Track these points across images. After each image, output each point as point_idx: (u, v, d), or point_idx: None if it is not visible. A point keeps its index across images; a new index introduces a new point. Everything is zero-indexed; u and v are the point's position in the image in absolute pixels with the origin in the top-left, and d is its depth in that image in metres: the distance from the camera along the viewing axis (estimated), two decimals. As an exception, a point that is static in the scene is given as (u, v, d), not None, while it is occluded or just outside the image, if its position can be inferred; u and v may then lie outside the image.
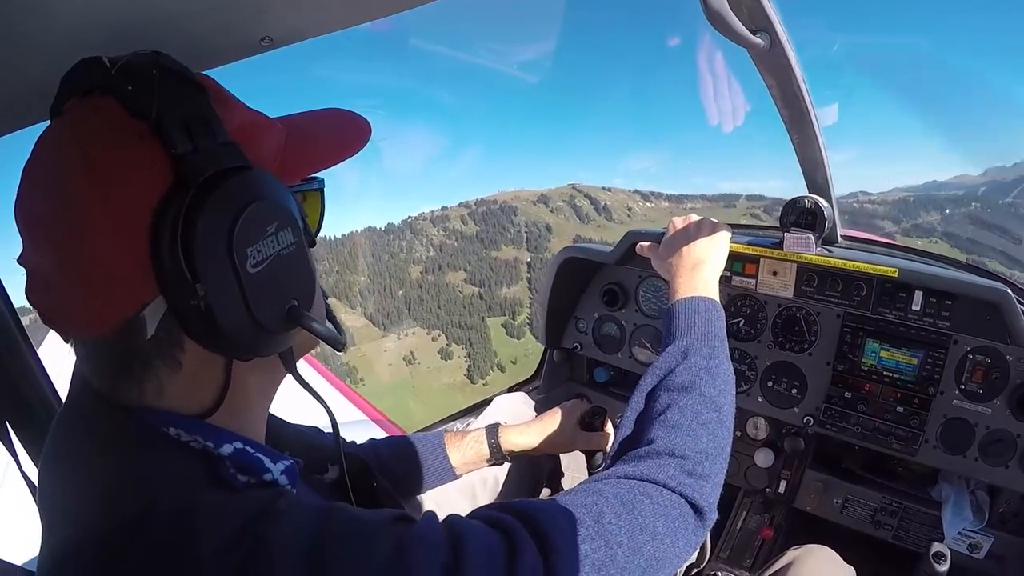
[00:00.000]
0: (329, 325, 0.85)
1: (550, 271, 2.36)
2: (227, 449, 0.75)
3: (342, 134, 0.94)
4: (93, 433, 0.74)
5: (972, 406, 1.67)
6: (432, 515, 0.81)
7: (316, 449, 1.07)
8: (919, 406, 1.73)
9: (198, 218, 0.66)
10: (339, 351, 0.89)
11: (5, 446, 1.35)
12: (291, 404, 1.12)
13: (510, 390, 2.47)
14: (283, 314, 0.76)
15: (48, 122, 0.74)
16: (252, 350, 0.76)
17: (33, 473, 0.92)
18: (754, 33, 1.31)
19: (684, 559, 1.00)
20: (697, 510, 1.00)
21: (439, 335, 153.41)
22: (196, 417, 0.75)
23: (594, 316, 2.39)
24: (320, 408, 0.94)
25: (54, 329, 0.73)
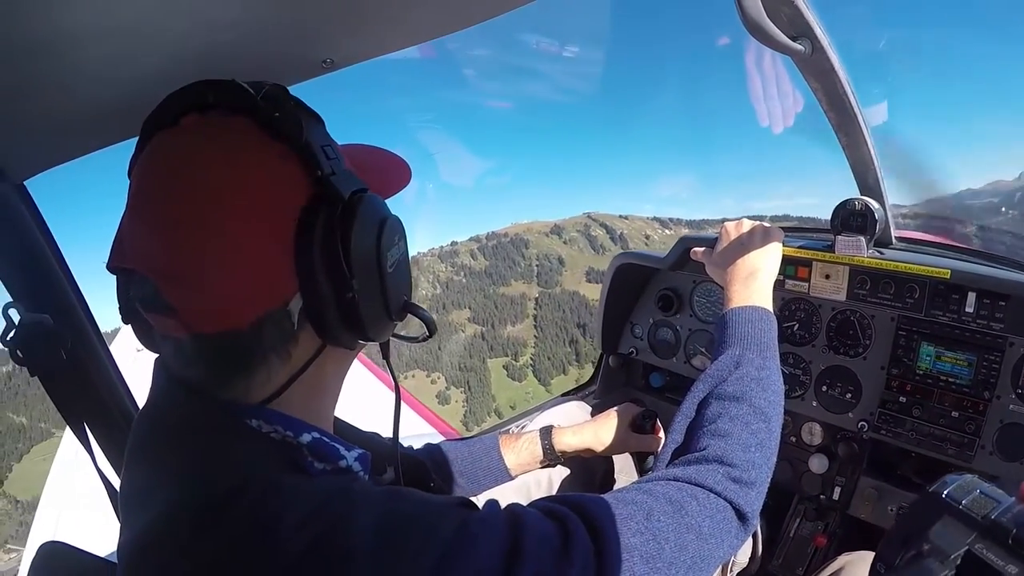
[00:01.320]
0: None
1: (606, 277, 2.44)
2: (305, 438, 0.85)
3: (396, 170, 1.07)
4: (180, 426, 0.82)
5: None
6: (494, 502, 0.89)
7: (375, 450, 1.12)
8: (975, 411, 1.72)
9: (352, 227, 0.81)
10: (432, 334, 1.03)
11: (84, 446, 1.43)
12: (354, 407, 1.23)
13: (565, 395, 2.53)
14: (401, 305, 0.93)
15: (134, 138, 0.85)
16: (380, 335, 0.93)
17: (108, 471, 1.05)
18: (794, 39, 1.35)
19: (726, 559, 1.05)
20: (741, 515, 1.05)
21: (439, 377, 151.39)
22: (285, 412, 0.85)
23: (649, 321, 2.45)
24: (376, 413, 1.07)
25: (172, 328, 0.79)
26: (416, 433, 2.79)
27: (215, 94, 0.81)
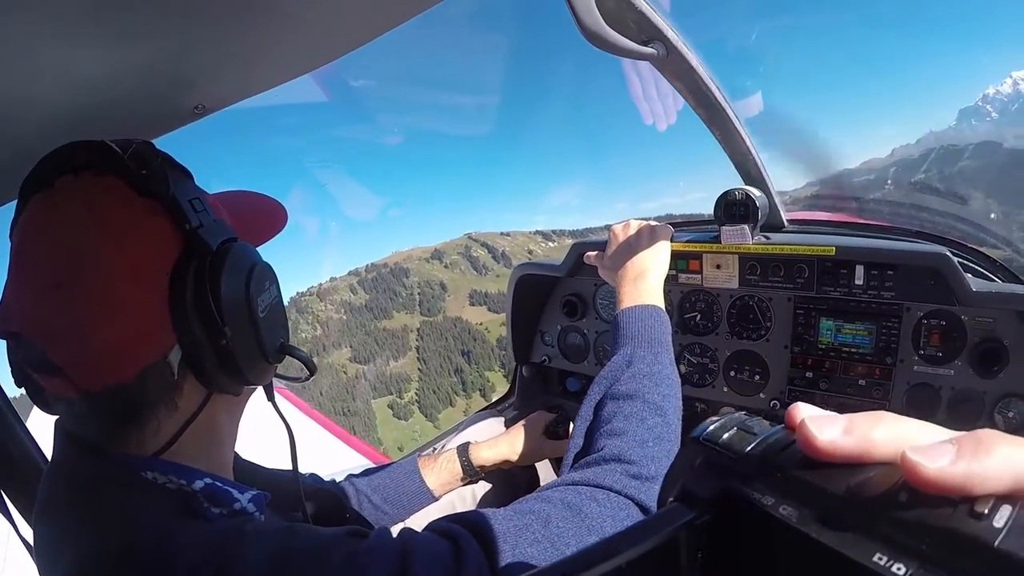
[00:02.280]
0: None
1: (509, 290, 2.44)
2: (198, 484, 0.87)
3: (272, 214, 1.11)
4: (78, 483, 0.84)
5: (934, 370, 1.70)
6: (384, 529, 0.92)
7: (285, 488, 1.16)
8: (881, 376, 1.77)
9: (221, 276, 0.85)
10: (312, 374, 1.08)
11: (3, 513, 1.39)
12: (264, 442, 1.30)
13: (482, 411, 2.54)
14: (277, 347, 0.97)
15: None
16: (260, 379, 0.96)
17: (28, 533, 1.02)
18: (646, 44, 1.36)
19: None
20: (644, 510, 1.07)
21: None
22: (176, 461, 0.87)
23: (557, 328, 2.46)
24: (306, 449, 1.08)
25: (61, 387, 0.80)
26: (350, 465, 2.76)
27: (86, 155, 0.83)
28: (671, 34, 1.37)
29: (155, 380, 0.84)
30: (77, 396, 0.81)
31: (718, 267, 1.97)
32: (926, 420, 0.35)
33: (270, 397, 1.06)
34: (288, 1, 0.91)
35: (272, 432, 1.10)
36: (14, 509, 1.44)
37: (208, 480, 0.89)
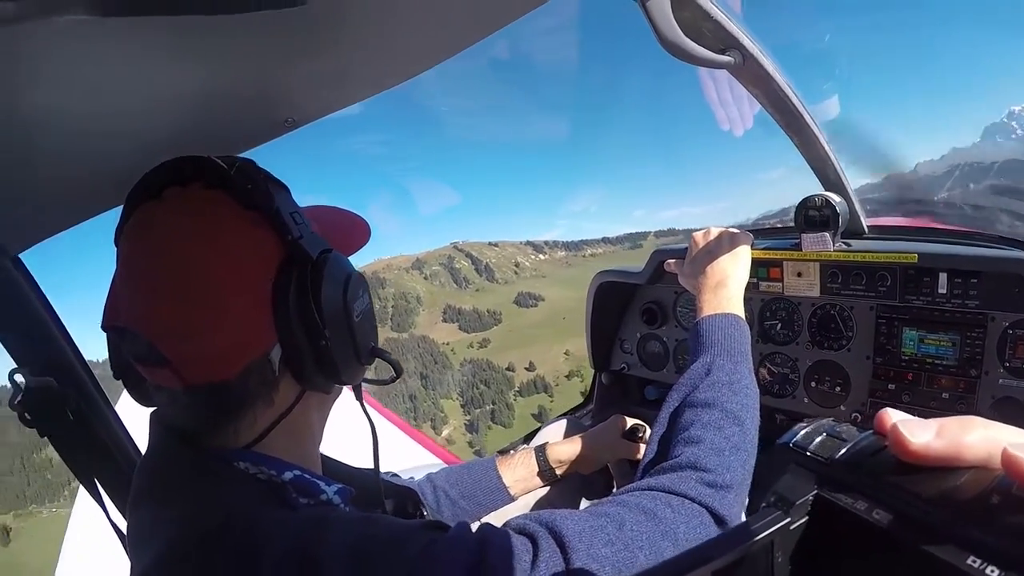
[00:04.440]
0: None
1: (588, 297, 2.51)
2: (288, 476, 0.97)
3: (357, 229, 1.20)
4: (173, 471, 0.94)
5: (1020, 383, 1.65)
6: (464, 523, 0.96)
7: (367, 485, 1.24)
8: (965, 389, 1.73)
9: (322, 283, 0.94)
10: (399, 375, 1.15)
11: (97, 501, 1.53)
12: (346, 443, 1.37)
13: (560, 417, 2.59)
14: (368, 351, 1.06)
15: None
16: (352, 378, 1.06)
17: (120, 521, 1.16)
18: (723, 52, 1.39)
19: None
20: (718, 519, 1.08)
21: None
22: (269, 454, 0.97)
23: (637, 336, 2.51)
24: (384, 448, 1.19)
25: (166, 379, 0.89)
26: (422, 464, 2.89)
27: (193, 169, 0.93)
28: (747, 41, 1.40)
29: (256, 377, 0.93)
30: (181, 389, 0.89)
31: (799, 275, 1.98)
32: None
33: (359, 397, 1.15)
34: (374, 19, 0.98)
35: (350, 431, 1.21)
36: (108, 500, 1.58)
37: (297, 472, 0.98)
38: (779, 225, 2.23)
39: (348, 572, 0.80)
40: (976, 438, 0.37)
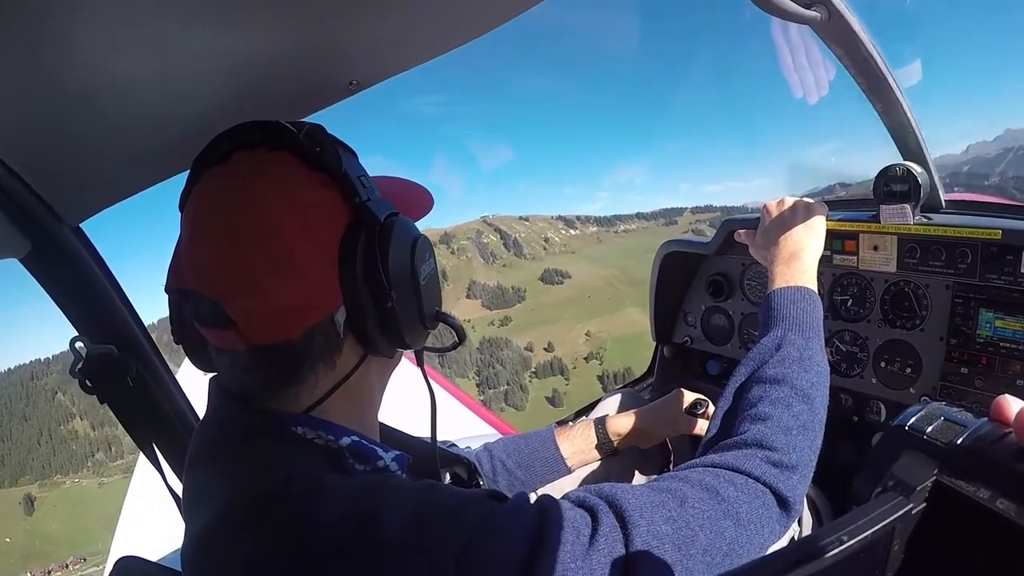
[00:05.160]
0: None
1: (654, 267, 2.49)
2: (345, 441, 0.97)
3: (421, 197, 1.21)
4: (231, 435, 0.95)
5: None
6: (523, 494, 0.96)
7: (423, 453, 1.26)
8: (1042, 378, 1.68)
9: (389, 245, 0.95)
10: (462, 342, 1.15)
11: (152, 463, 1.59)
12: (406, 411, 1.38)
13: (623, 388, 2.59)
14: (433, 314, 1.07)
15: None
16: (416, 342, 1.06)
17: (177, 486, 1.18)
18: (809, 7, 1.34)
19: (767, 546, 1.05)
20: (781, 500, 1.07)
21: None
22: (327, 419, 0.98)
23: (701, 308, 2.49)
24: (444, 418, 1.20)
25: (230, 341, 0.90)
26: (478, 434, 2.91)
27: (262, 133, 0.95)
28: None
29: (320, 339, 0.94)
30: (245, 350, 0.91)
31: (875, 248, 1.94)
32: None
33: (420, 363, 1.17)
34: None
35: (409, 399, 1.22)
36: (166, 465, 1.64)
37: (355, 438, 0.98)
38: (851, 197, 2.19)
39: (407, 537, 0.81)
40: None
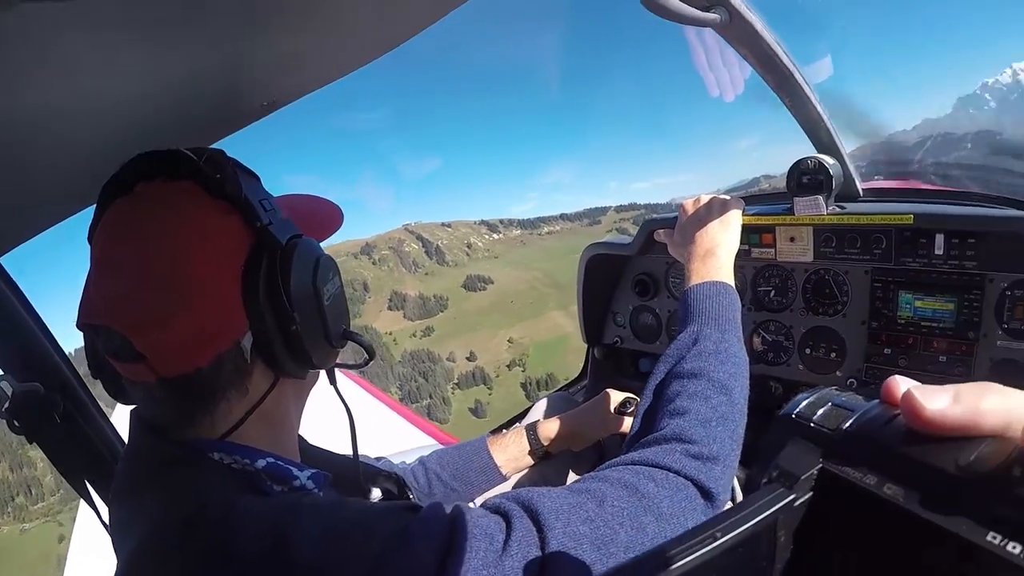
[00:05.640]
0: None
1: (579, 271, 2.50)
2: (261, 464, 0.98)
3: (329, 215, 1.22)
4: (151, 464, 0.95)
5: (1019, 344, 1.66)
6: (438, 504, 0.96)
7: (349, 472, 1.26)
8: (963, 353, 1.75)
9: (291, 268, 0.96)
10: (372, 358, 1.15)
11: (86, 501, 1.58)
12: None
13: (556, 392, 2.60)
14: (340, 333, 1.08)
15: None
16: (324, 362, 1.08)
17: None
18: (707, 10, 1.35)
19: None
20: (705, 492, 1.08)
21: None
22: (242, 444, 0.98)
23: (629, 308, 2.51)
24: (383, 431, 1.22)
25: (142, 374, 0.91)
26: (419, 446, 2.91)
27: (163, 163, 0.96)
28: None
29: (229, 366, 0.95)
30: (156, 382, 0.91)
31: (792, 240, 1.98)
32: None
33: (332, 381, 1.17)
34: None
35: (343, 418, 1.20)
36: (97, 497, 1.62)
37: (270, 459, 0.99)
38: (770, 191, 2.24)
39: (320, 555, 0.81)
40: (994, 404, 0.36)
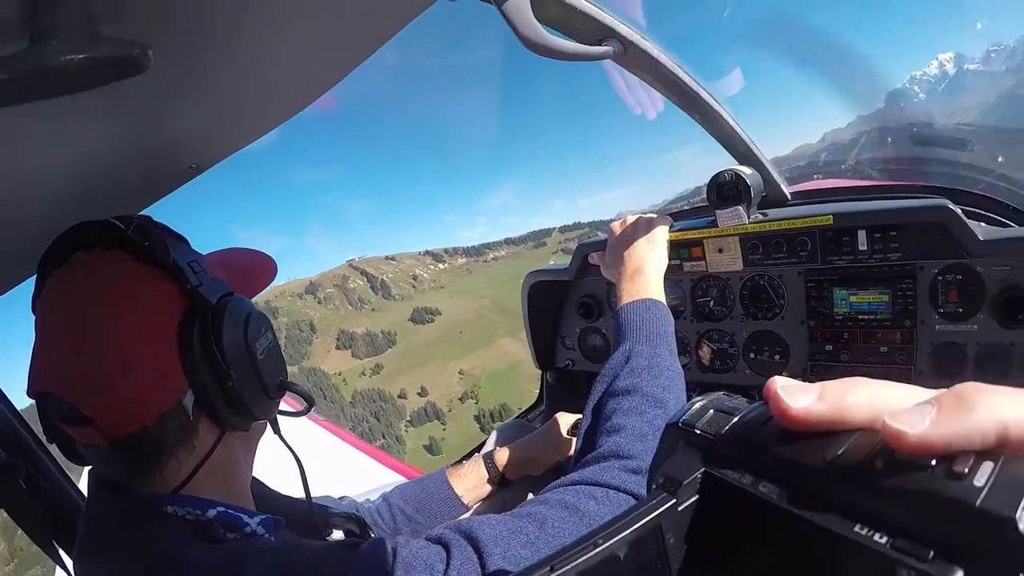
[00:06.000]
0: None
1: (523, 299, 2.52)
2: (212, 513, 1.02)
3: (262, 271, 1.26)
4: (109, 521, 1.00)
5: (956, 327, 1.70)
6: (380, 539, 1.02)
7: (304, 515, 1.28)
8: (903, 340, 1.78)
9: (222, 328, 0.99)
10: (311, 406, 1.24)
11: (56, 562, 1.57)
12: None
13: (513, 419, 2.63)
14: (278, 385, 1.11)
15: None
16: (265, 413, 1.11)
17: None
18: (600, 43, 1.37)
19: None
20: None
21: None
22: (194, 495, 1.02)
23: (577, 331, 2.53)
24: (352, 470, 1.24)
25: (92, 437, 0.95)
26: (386, 483, 2.90)
27: (96, 233, 1.00)
28: (624, 29, 1.38)
29: (172, 424, 0.99)
30: (106, 444, 0.95)
31: (720, 251, 2.02)
32: (955, 380, 0.35)
33: (276, 430, 1.19)
34: (259, 55, 1.00)
35: (308, 460, 1.23)
36: (66, 556, 1.58)
37: (221, 508, 1.03)
38: (698, 203, 2.28)
39: None
40: (859, 398, 0.37)
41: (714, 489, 0.41)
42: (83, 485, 1.73)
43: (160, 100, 1.00)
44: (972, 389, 0.33)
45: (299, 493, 1.35)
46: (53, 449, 1.72)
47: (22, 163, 1.02)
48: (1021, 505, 0.28)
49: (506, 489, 1.86)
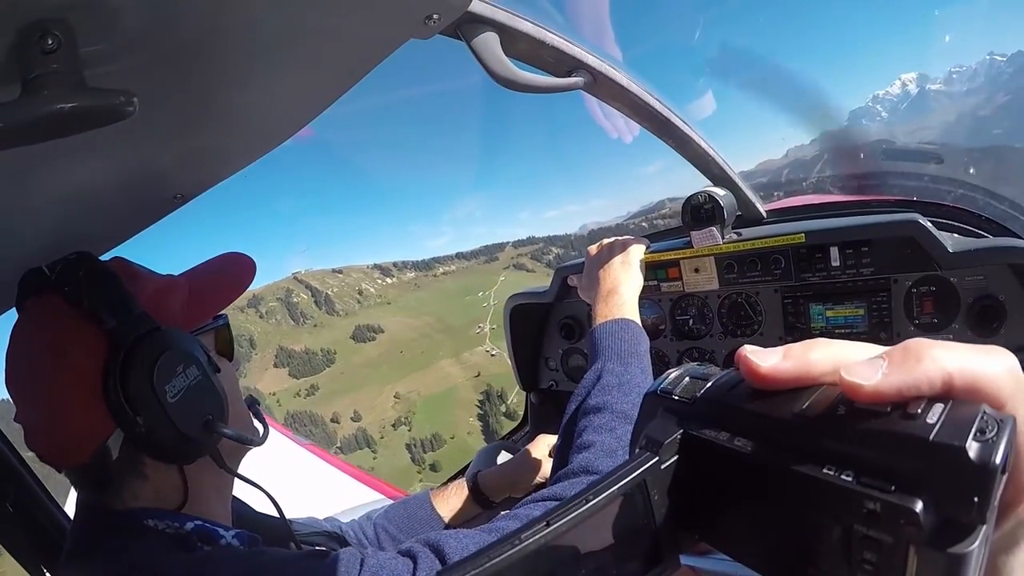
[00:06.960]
0: (254, 426, 1.26)
1: (504, 322, 2.54)
2: (189, 526, 1.07)
3: (235, 276, 1.27)
4: (92, 534, 1.06)
5: (932, 337, 1.72)
6: (349, 550, 1.06)
7: (285, 536, 1.31)
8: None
9: (129, 372, 1.00)
10: (252, 446, 1.20)
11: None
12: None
13: (498, 441, 2.64)
14: (201, 426, 1.09)
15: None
16: (188, 455, 1.10)
17: None
18: (570, 74, 1.40)
19: None
20: None
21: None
22: (173, 510, 1.08)
23: (559, 352, 2.54)
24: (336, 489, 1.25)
25: (48, 463, 1.05)
26: (368, 501, 2.86)
27: (37, 279, 1.06)
28: (592, 60, 1.42)
29: (110, 459, 1.02)
30: (65, 473, 1.06)
31: (696, 271, 2.04)
32: None
33: (220, 465, 1.16)
34: (240, 93, 1.00)
35: (294, 481, 1.23)
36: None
37: (198, 522, 1.09)
38: (666, 215, 2.28)
39: None
40: (821, 355, 0.40)
41: (693, 448, 0.44)
42: (70, 509, 1.72)
43: (146, 137, 1.01)
44: (918, 343, 0.36)
45: (289, 514, 1.35)
46: (40, 473, 1.74)
47: (7, 198, 1.02)
48: (970, 435, 0.31)
49: (490, 511, 1.87)
